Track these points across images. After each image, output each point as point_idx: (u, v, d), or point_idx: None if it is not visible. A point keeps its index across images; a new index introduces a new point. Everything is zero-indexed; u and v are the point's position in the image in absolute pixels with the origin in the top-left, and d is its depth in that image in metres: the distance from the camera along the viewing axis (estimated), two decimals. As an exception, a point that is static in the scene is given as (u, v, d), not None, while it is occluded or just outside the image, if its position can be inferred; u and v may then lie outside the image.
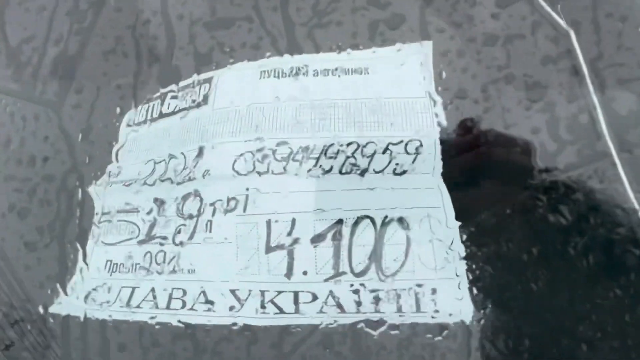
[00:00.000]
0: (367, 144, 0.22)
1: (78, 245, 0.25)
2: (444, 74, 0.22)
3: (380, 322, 0.19)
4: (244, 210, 0.22)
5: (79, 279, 0.24)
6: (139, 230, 0.24)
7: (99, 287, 0.23)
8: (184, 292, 0.22)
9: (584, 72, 0.18)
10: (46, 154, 0.27)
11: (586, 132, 0.18)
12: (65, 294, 0.24)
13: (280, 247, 0.21)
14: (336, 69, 0.24)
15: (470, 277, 0.19)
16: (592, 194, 0.17)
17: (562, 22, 0.18)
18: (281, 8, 0.24)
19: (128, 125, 0.28)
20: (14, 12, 0.29)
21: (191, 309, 0.21)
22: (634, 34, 0.19)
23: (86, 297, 0.23)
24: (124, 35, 0.27)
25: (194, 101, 0.26)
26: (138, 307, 0.22)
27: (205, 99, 0.25)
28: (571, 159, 0.18)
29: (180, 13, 0.26)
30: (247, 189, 0.22)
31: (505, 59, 0.20)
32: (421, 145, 0.21)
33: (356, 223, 0.20)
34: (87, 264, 0.24)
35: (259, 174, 0.22)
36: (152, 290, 0.22)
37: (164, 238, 0.23)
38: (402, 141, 0.22)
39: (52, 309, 0.23)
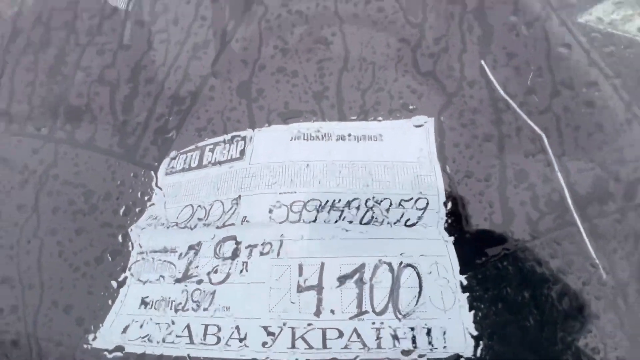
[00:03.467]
0: (383, 199, 0.26)
1: (115, 284, 0.27)
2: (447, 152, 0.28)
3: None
4: (278, 254, 0.25)
5: (116, 314, 0.26)
6: (176, 269, 0.27)
7: (135, 322, 0.25)
8: (219, 329, 0.24)
9: (554, 163, 0.24)
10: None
11: (558, 205, 0.24)
12: (101, 329, 0.25)
13: (310, 287, 0.24)
14: (356, 136, 0.29)
15: (473, 318, 0.22)
16: (564, 251, 0.22)
17: (536, 128, 0.25)
18: (337, 106, 0.30)
19: (167, 173, 0.31)
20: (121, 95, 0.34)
21: (226, 344, 0.23)
22: (589, 140, 0.26)
23: (123, 332, 0.25)
24: (215, 118, 0.32)
25: (231, 156, 0.30)
26: (173, 342, 0.24)
27: (242, 154, 0.30)
28: (548, 224, 0.23)
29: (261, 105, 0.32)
30: (282, 235, 0.25)
31: (498, 152, 0.27)
32: (428, 202, 0.26)
33: (376, 267, 0.24)
34: (123, 301, 0.26)
35: (292, 222, 0.26)
36: (188, 326, 0.24)
37: (200, 277, 0.26)
38: (412, 198, 0.26)
39: (92, 344, 0.24)
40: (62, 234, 0.29)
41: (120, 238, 0.28)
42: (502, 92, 0.28)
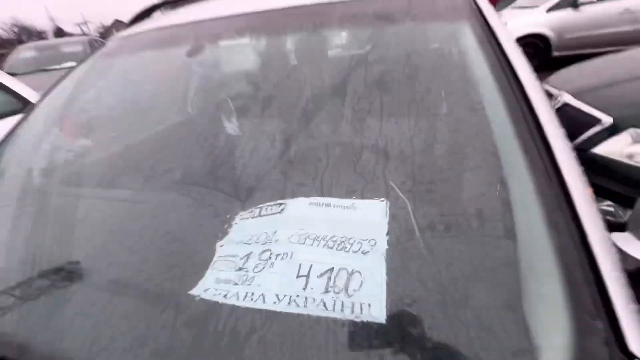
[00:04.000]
0: (350, 238, 0.48)
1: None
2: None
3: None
4: (290, 259, 0.47)
5: (205, 283, 0.49)
6: (236, 265, 0.50)
7: (214, 288, 0.47)
8: (253, 294, 0.45)
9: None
10: None
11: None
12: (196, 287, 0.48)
13: (303, 276, 0.45)
14: (343, 206, 0.53)
15: (387, 302, 0.41)
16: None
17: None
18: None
19: (241, 218, 0.57)
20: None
21: (255, 302, 0.44)
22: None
23: (205, 291, 0.47)
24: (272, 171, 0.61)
25: (275, 212, 0.55)
26: (232, 299, 0.45)
27: (282, 211, 0.55)
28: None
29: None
30: (292, 251, 0.48)
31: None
32: (376, 242, 0.47)
33: (340, 270, 0.45)
34: (207, 277, 0.49)
35: (300, 244, 0.49)
36: (238, 292, 0.46)
37: (248, 269, 0.48)
38: (367, 239, 0.48)
39: (191, 292, 0.47)
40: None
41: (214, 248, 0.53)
42: None
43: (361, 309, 0.41)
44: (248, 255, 0.50)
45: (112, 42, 1.05)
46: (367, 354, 0.38)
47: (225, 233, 0.55)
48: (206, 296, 0.46)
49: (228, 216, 0.58)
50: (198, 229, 0.61)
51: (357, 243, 0.48)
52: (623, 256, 1.11)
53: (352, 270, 0.44)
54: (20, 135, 0.88)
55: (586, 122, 1.64)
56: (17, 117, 2.17)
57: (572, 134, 1.65)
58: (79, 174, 0.83)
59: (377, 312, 0.40)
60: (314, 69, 0.73)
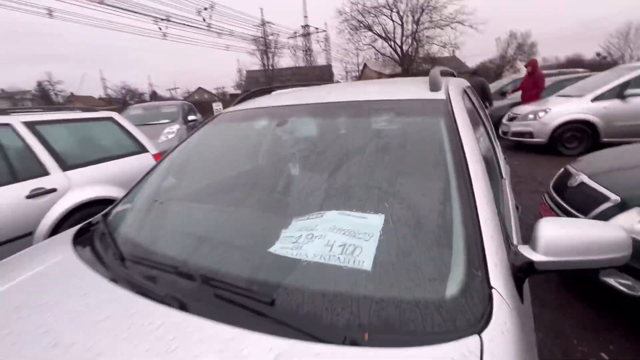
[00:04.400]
0: (361, 233, 0.84)
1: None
2: None
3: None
4: (323, 238, 0.84)
5: (275, 247, 0.86)
6: (293, 240, 0.87)
7: (280, 249, 0.85)
8: (300, 253, 0.81)
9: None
10: None
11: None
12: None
13: (330, 246, 0.81)
14: (357, 216, 0.90)
15: (374, 257, 0.75)
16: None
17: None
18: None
19: (297, 220, 0.96)
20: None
21: (301, 256, 0.80)
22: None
23: (275, 250, 0.85)
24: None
25: (317, 217, 0.93)
26: (289, 254, 0.82)
27: (322, 216, 0.93)
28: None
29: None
30: (325, 235, 0.85)
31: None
32: (372, 235, 0.82)
33: (350, 246, 0.80)
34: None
35: (331, 232, 0.85)
36: (292, 252, 0.83)
37: (300, 242, 0.85)
38: (368, 233, 0.83)
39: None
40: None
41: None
42: None
43: (358, 263, 0.75)
44: (299, 236, 0.87)
45: (221, 115, 1.62)
46: (357, 283, 0.71)
47: (287, 226, 0.94)
48: (276, 252, 0.83)
49: (289, 219, 0.97)
50: (270, 224, 1.00)
51: (363, 234, 0.83)
52: None
53: (358, 246, 0.79)
54: (158, 168, 1.41)
55: (598, 199, 1.83)
56: (138, 156, 2.89)
57: (586, 209, 1.84)
58: (196, 193, 1.32)
59: (367, 265, 0.74)
60: (340, 138, 1.18)
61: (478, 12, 19.12)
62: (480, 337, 0.53)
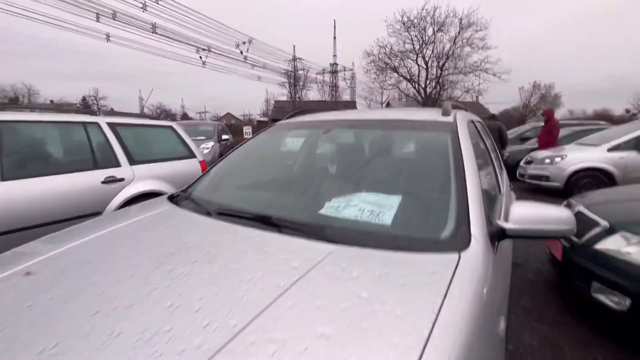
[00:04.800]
0: (385, 204, 1.18)
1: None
2: None
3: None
4: (357, 206, 1.18)
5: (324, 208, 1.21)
6: (333, 207, 1.22)
7: (326, 209, 1.20)
8: (340, 216, 1.16)
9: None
10: None
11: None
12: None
13: (362, 210, 1.15)
14: (383, 196, 1.24)
15: (393, 217, 1.08)
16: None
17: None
18: None
19: (335, 198, 1.31)
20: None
21: (341, 219, 1.15)
22: None
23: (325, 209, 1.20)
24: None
25: (351, 195, 1.28)
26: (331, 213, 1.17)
27: (355, 195, 1.28)
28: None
29: None
30: (357, 204, 1.19)
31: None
32: (393, 206, 1.16)
33: (375, 210, 1.14)
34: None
35: (362, 202, 1.20)
36: (332, 215, 1.17)
37: (338, 209, 1.20)
38: (391, 205, 1.17)
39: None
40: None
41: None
42: None
43: (381, 220, 1.08)
44: (339, 206, 1.22)
45: (277, 124, 2.05)
46: (381, 228, 1.04)
47: (330, 199, 1.28)
48: (323, 213, 1.18)
49: (331, 196, 1.32)
50: (318, 198, 1.35)
51: (385, 206, 1.16)
52: None
53: (381, 212, 1.13)
54: (231, 155, 1.83)
55: (590, 224, 2.07)
56: (188, 160, 3.38)
57: (580, 233, 2.09)
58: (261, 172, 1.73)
59: (387, 222, 1.07)
60: (370, 143, 1.58)
61: (502, 62, 19.86)
62: (459, 254, 0.85)
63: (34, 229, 2.31)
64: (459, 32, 19.62)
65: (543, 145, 6.89)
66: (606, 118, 22.27)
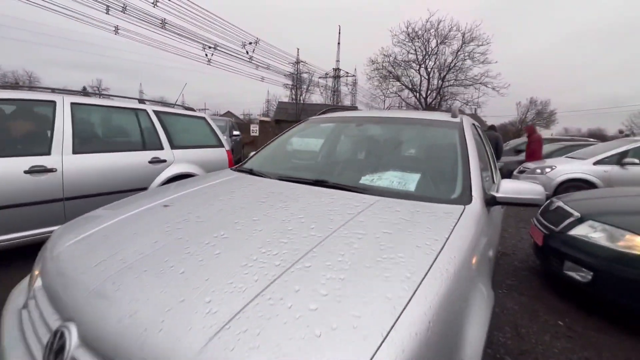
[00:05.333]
0: (406, 177, 1.60)
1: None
2: None
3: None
4: (386, 177, 1.60)
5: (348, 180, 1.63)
6: (358, 179, 1.63)
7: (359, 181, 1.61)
8: (368, 188, 1.57)
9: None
10: None
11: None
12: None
13: (388, 179, 1.57)
14: (402, 171, 1.66)
15: (417, 184, 1.50)
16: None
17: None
18: None
19: (364, 175, 1.73)
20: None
21: (370, 190, 1.56)
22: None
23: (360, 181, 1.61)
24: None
25: (377, 174, 1.70)
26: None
27: (382, 172, 1.69)
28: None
29: None
30: (386, 177, 1.61)
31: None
32: (414, 179, 1.58)
33: (396, 179, 1.56)
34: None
35: (391, 172, 1.61)
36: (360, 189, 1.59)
37: (365, 182, 1.62)
38: (411, 179, 1.59)
39: None
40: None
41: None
42: None
43: (407, 188, 1.49)
44: (372, 179, 1.62)
45: (310, 119, 2.47)
46: (407, 191, 1.45)
47: (365, 174, 1.69)
48: (361, 182, 1.59)
49: (364, 174, 1.73)
50: (354, 174, 1.76)
51: (409, 179, 1.58)
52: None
53: (407, 183, 1.54)
54: (261, 153, 2.24)
55: (566, 215, 2.51)
56: (217, 149, 3.79)
57: (557, 223, 2.52)
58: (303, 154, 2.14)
59: (411, 189, 1.48)
60: (396, 134, 2.01)
61: (502, 77, 20.49)
62: (464, 207, 1.26)
63: (98, 196, 2.69)
64: (462, 46, 20.25)
65: (528, 158, 7.50)
66: (599, 137, 23.04)
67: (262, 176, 1.74)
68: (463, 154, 1.60)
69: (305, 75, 28.49)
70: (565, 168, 6.20)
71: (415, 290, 0.74)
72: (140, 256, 0.93)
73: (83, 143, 2.70)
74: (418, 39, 20.89)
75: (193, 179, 1.83)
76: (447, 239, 0.99)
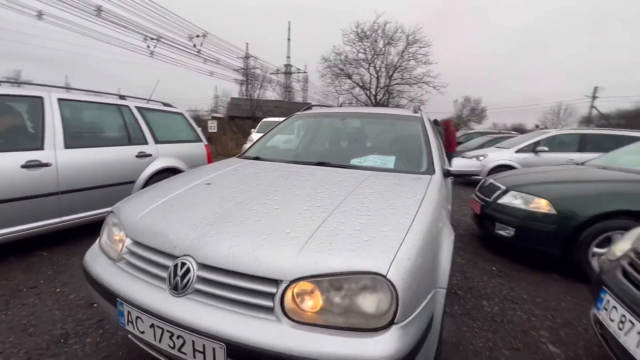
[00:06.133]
0: (382, 158, 2.09)
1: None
2: None
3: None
4: (368, 160, 2.08)
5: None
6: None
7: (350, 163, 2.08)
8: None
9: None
10: None
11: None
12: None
13: (367, 160, 2.05)
14: (378, 159, 2.15)
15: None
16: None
17: None
18: None
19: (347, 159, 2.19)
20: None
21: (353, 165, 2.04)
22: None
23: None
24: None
25: (355, 160, 2.17)
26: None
27: (359, 159, 2.17)
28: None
29: None
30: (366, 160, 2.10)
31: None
32: (389, 161, 2.08)
33: (378, 159, 2.05)
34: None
35: (372, 156, 2.10)
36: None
37: (353, 164, 2.09)
38: (386, 160, 2.09)
39: None
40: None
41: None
42: None
43: (387, 166, 1.99)
44: (360, 160, 2.09)
45: (295, 114, 2.87)
46: (387, 167, 1.95)
47: (353, 157, 2.15)
48: (351, 163, 2.05)
49: (351, 157, 2.19)
50: (342, 156, 2.21)
51: (388, 160, 2.07)
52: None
53: (386, 163, 2.03)
54: (258, 144, 2.61)
55: (496, 189, 3.26)
56: (196, 143, 4.01)
57: (490, 195, 3.26)
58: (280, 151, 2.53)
59: (390, 167, 1.98)
60: (371, 126, 2.52)
61: (441, 76, 22.57)
62: (430, 177, 1.79)
63: (91, 190, 2.79)
64: (406, 47, 21.89)
65: (446, 148, 8.72)
66: (520, 130, 26.58)
67: (271, 161, 2.11)
68: (425, 141, 2.15)
69: (258, 71, 28.21)
70: (495, 156, 7.38)
71: (413, 219, 1.21)
72: (217, 214, 1.27)
73: (73, 138, 2.76)
74: (367, 39, 22.06)
75: (209, 167, 2.12)
76: (425, 194, 1.49)
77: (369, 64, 22.90)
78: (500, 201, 3.10)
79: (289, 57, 38.59)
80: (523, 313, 2.14)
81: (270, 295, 0.98)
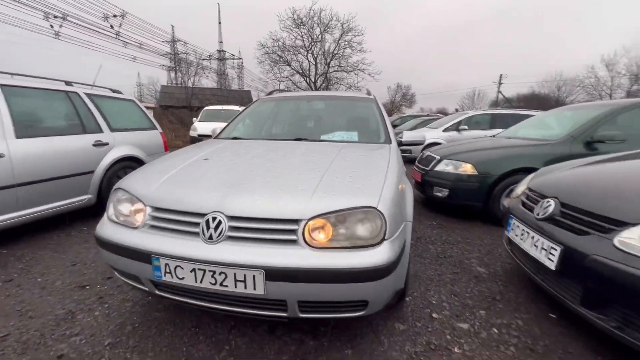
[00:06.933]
0: (342, 134, 2.48)
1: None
2: None
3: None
4: (335, 140, 2.45)
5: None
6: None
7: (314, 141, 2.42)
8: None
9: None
10: None
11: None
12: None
13: (335, 134, 2.42)
14: (338, 137, 2.53)
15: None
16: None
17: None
18: None
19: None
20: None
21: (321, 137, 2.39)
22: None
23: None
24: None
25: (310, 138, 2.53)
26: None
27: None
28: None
29: None
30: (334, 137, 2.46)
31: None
32: (353, 136, 2.47)
33: (345, 135, 2.43)
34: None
35: (335, 135, 2.47)
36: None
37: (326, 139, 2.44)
38: (348, 138, 2.48)
39: None
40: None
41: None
42: None
43: (353, 139, 2.37)
44: (329, 136, 2.44)
45: (260, 99, 3.09)
46: (352, 139, 2.34)
47: (323, 134, 2.49)
48: (321, 138, 2.39)
49: (321, 134, 2.52)
50: (312, 134, 2.53)
51: (352, 135, 2.46)
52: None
53: (351, 137, 2.42)
54: (231, 126, 2.80)
55: (432, 159, 3.92)
56: (151, 131, 3.96)
57: (427, 165, 3.90)
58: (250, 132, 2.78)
59: (355, 139, 2.37)
60: (334, 108, 2.90)
61: (375, 64, 23.92)
62: (389, 146, 2.22)
63: (50, 181, 2.67)
64: (341, 35, 22.58)
65: None
66: (444, 113, 29.71)
67: (252, 139, 2.34)
68: (381, 117, 2.59)
69: (191, 57, 26.38)
70: (427, 135, 8.38)
71: (386, 173, 1.61)
72: (231, 179, 1.51)
73: (24, 127, 2.59)
74: (303, 25, 22.16)
75: (191, 148, 2.26)
76: (390, 157, 1.91)
77: (307, 50, 23.13)
78: (436, 168, 3.76)
79: (221, 42, 36.72)
80: (458, 250, 2.77)
81: (294, 232, 1.29)
